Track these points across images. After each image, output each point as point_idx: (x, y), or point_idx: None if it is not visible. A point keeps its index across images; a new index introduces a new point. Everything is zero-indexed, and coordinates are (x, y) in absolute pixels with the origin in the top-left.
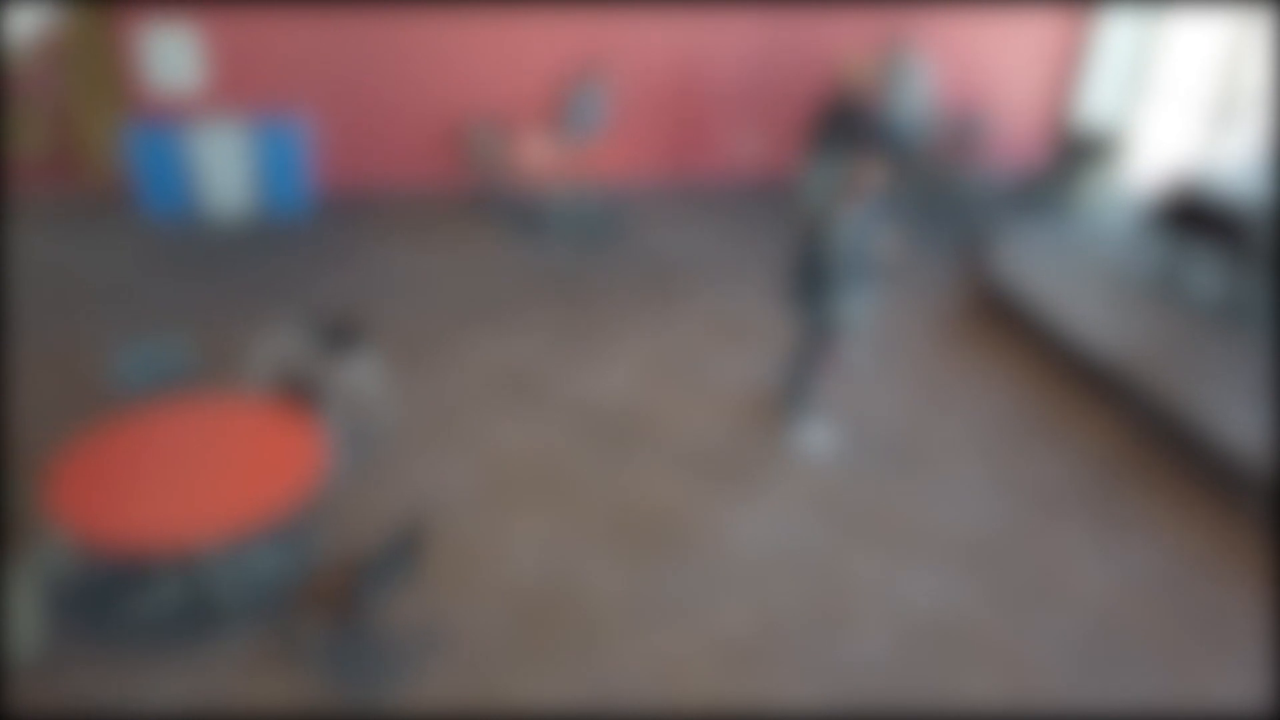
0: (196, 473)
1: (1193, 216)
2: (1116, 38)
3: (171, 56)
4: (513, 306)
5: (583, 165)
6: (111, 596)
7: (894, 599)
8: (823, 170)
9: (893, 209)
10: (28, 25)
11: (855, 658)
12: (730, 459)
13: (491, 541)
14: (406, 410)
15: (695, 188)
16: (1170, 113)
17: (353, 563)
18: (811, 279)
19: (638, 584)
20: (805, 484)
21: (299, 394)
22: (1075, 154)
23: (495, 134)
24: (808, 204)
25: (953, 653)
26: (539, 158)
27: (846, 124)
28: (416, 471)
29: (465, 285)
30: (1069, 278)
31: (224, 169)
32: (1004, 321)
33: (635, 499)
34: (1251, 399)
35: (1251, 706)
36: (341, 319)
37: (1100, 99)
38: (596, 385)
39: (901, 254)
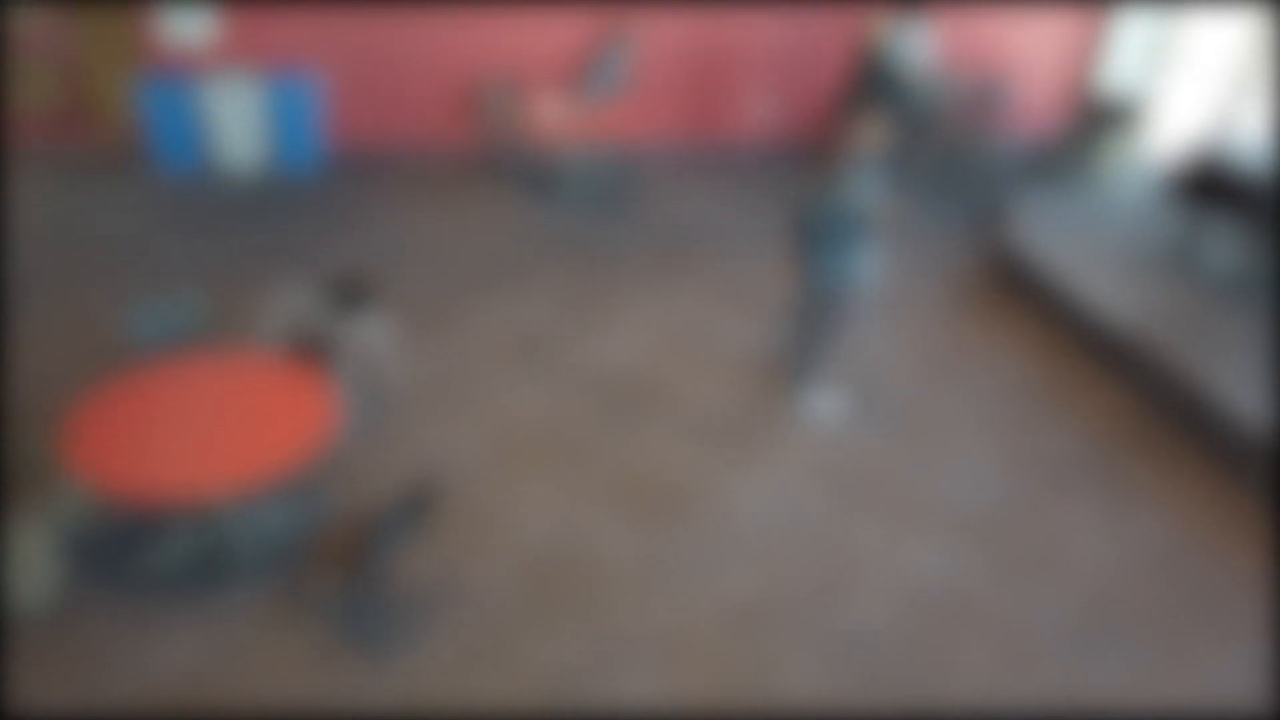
0: (210, 427)
1: (1211, 188)
2: (1140, 4)
3: (185, 10)
4: (524, 270)
5: (598, 127)
6: (126, 548)
7: (896, 569)
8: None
9: (906, 174)
10: None
11: (856, 626)
12: (738, 427)
13: (501, 504)
14: (417, 371)
15: (713, 153)
16: (1192, 81)
17: (363, 520)
18: (816, 237)
19: (644, 548)
20: (811, 453)
21: (310, 352)
22: (1095, 122)
23: (510, 95)
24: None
25: (952, 624)
26: (553, 119)
27: (871, 87)
28: (426, 433)
29: (477, 247)
30: (1083, 248)
31: (237, 125)
32: (1016, 291)
33: (643, 465)
34: (1263, 374)
35: (1249, 688)
36: (352, 278)
37: (1122, 66)
38: (607, 351)
39: (888, 214)
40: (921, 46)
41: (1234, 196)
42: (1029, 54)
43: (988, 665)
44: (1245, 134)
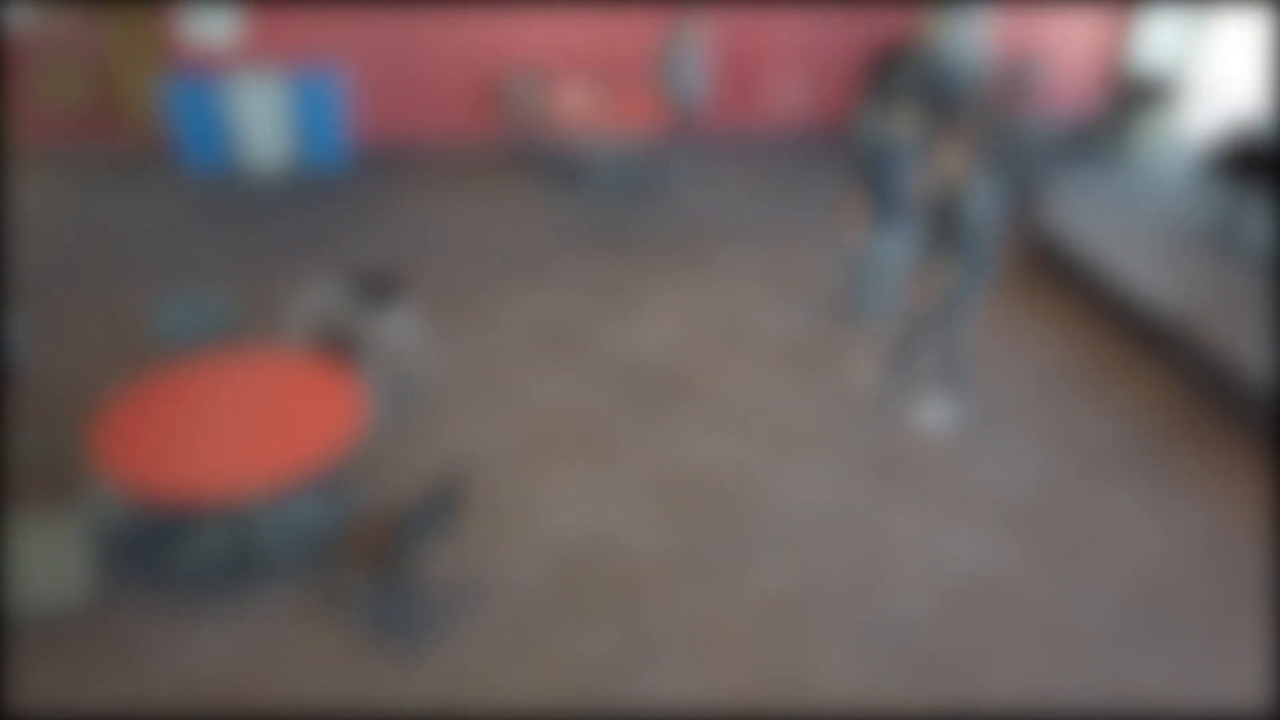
0: (240, 424)
1: (1249, 164)
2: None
3: (209, 9)
4: (552, 261)
5: (623, 117)
6: (158, 546)
7: (935, 558)
8: (881, 111)
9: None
10: None
11: (895, 619)
12: (772, 415)
13: (532, 496)
14: (446, 364)
15: (746, 139)
16: (1229, 58)
17: (393, 515)
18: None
19: (677, 540)
20: (846, 440)
21: (338, 347)
22: (1132, 100)
23: (534, 87)
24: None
25: (993, 615)
26: (578, 108)
27: (915, 78)
28: (456, 426)
29: (504, 239)
30: (1122, 229)
31: (262, 122)
32: (1055, 273)
33: (675, 454)
34: None
35: (1265, 695)
36: (379, 273)
37: (1157, 43)
38: (637, 340)
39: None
40: (975, 38)
41: (1272, 173)
42: (1064, 34)
43: (1030, 657)
44: None
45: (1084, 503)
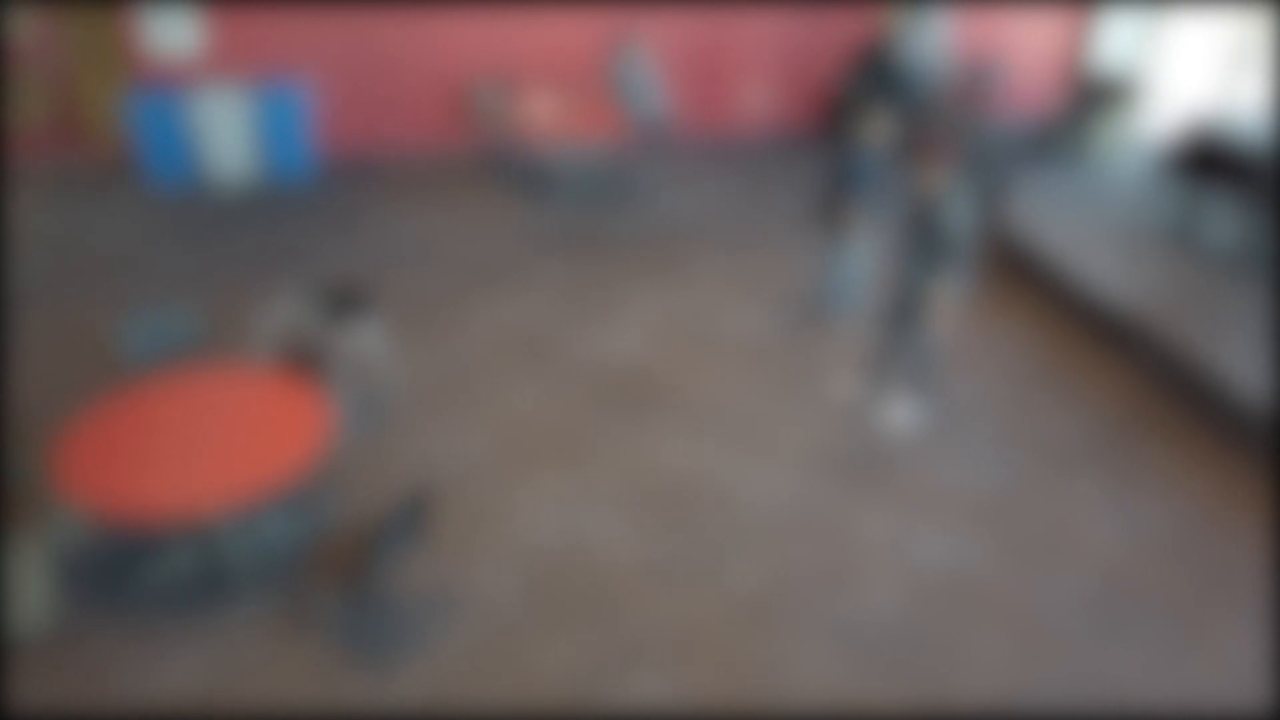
0: (206, 442)
1: (1209, 163)
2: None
3: (171, 22)
4: (523, 269)
5: (590, 124)
6: (124, 567)
7: (905, 557)
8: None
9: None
10: None
11: (867, 617)
12: (744, 418)
13: (505, 505)
14: (417, 375)
15: (715, 144)
16: (1188, 57)
17: (363, 529)
18: (935, 250)
19: (650, 545)
20: (817, 441)
21: (306, 362)
22: (1091, 101)
23: (502, 95)
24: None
25: (963, 612)
26: (545, 116)
27: (877, 79)
28: (428, 436)
29: (474, 248)
30: (1084, 228)
31: (227, 135)
32: (1019, 273)
33: (648, 460)
34: (1267, 348)
35: (1262, 668)
36: (347, 285)
37: (1116, 43)
38: (609, 346)
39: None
40: (935, 39)
41: (1232, 171)
42: (1023, 35)
43: (1001, 653)
44: (1243, 108)
45: (1051, 499)
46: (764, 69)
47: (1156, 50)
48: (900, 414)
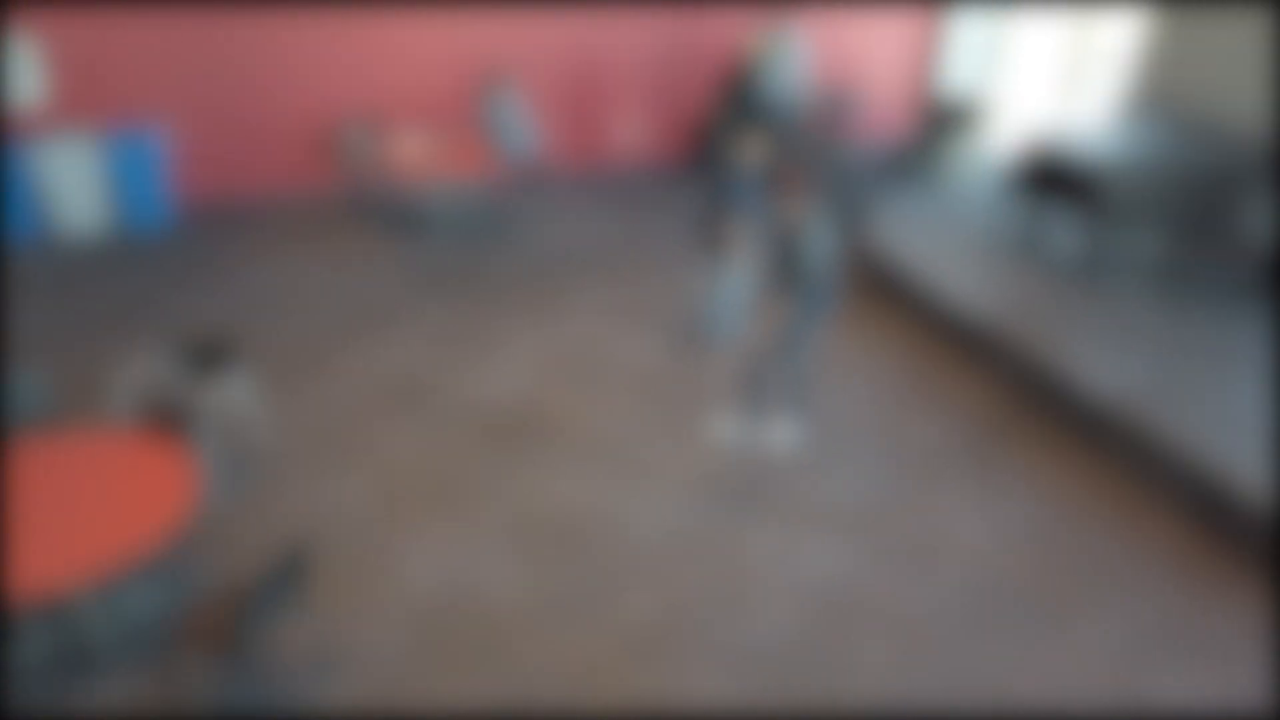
0: (59, 513)
1: (1048, 179)
2: (974, 7)
3: (11, 68)
4: (400, 311)
5: (461, 162)
6: None
7: (792, 573)
8: (733, 139)
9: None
10: None
11: (757, 636)
12: (630, 448)
13: (388, 556)
14: (291, 427)
15: (592, 175)
16: (1026, 78)
17: (236, 593)
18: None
19: (541, 584)
20: (700, 466)
21: (168, 422)
22: (940, 124)
23: (369, 135)
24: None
25: (850, 622)
26: (415, 155)
27: (744, 101)
28: (304, 490)
29: (347, 293)
30: (940, 245)
31: (76, 185)
32: (883, 290)
33: (535, 498)
34: (1111, 349)
35: (1124, 651)
36: (211, 337)
37: (961, 68)
38: (491, 385)
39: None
40: (796, 60)
41: (1070, 185)
42: (876, 63)
43: (886, 658)
44: (1079, 122)
45: (924, 505)
46: (634, 100)
47: (999, 72)
48: (780, 434)
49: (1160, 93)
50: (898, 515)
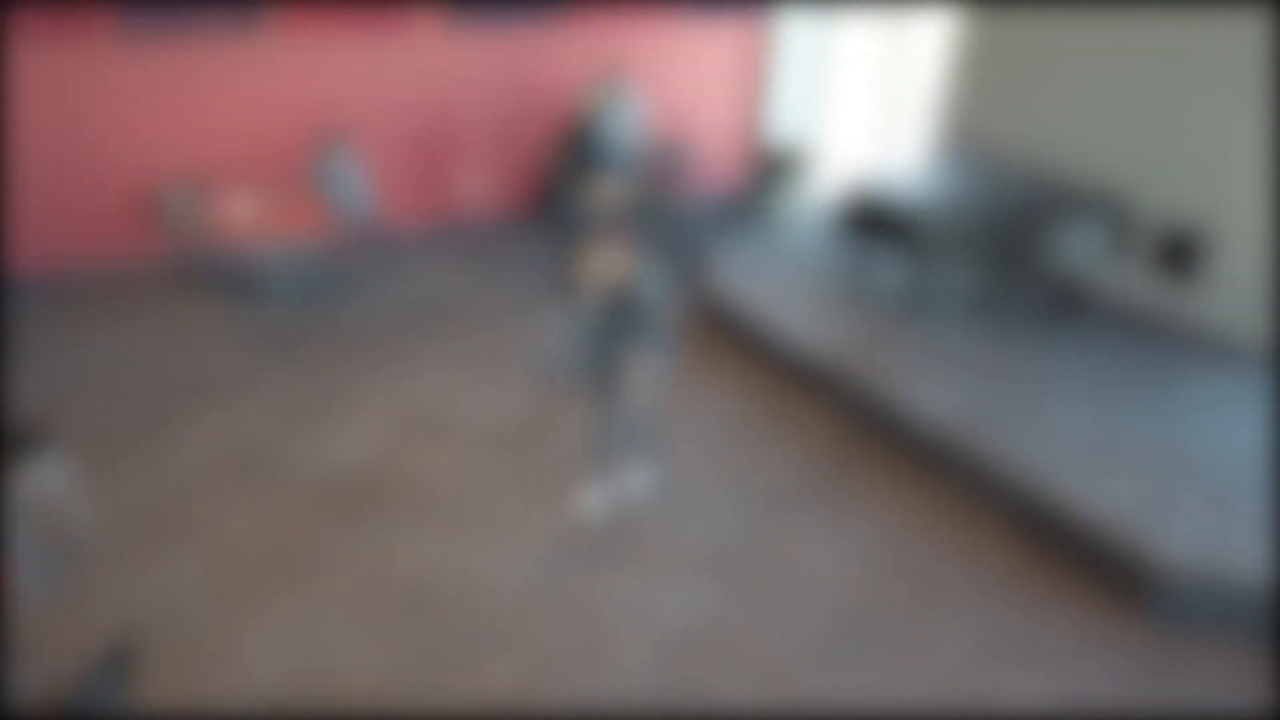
0: None
1: (869, 221)
2: (794, 58)
3: None
4: (237, 379)
5: (295, 221)
6: None
7: (652, 618)
8: (576, 189)
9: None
10: None
11: (622, 682)
12: (484, 506)
13: (228, 641)
14: (119, 510)
15: (435, 231)
16: (847, 124)
17: (58, 699)
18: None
19: (396, 658)
20: (554, 519)
21: None
22: (770, 171)
23: (194, 197)
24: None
25: (711, 662)
26: (245, 216)
27: (584, 151)
28: (132, 577)
29: (179, 362)
30: (775, 287)
31: None
32: (726, 334)
33: (387, 566)
34: (936, 378)
35: (974, 664)
36: (20, 420)
37: (786, 117)
38: (338, 450)
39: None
40: (631, 111)
41: (890, 226)
42: (707, 114)
43: (749, 693)
44: (896, 165)
45: (776, 540)
46: (477, 153)
47: (822, 121)
48: (635, 483)
49: (965, 135)
50: (753, 552)
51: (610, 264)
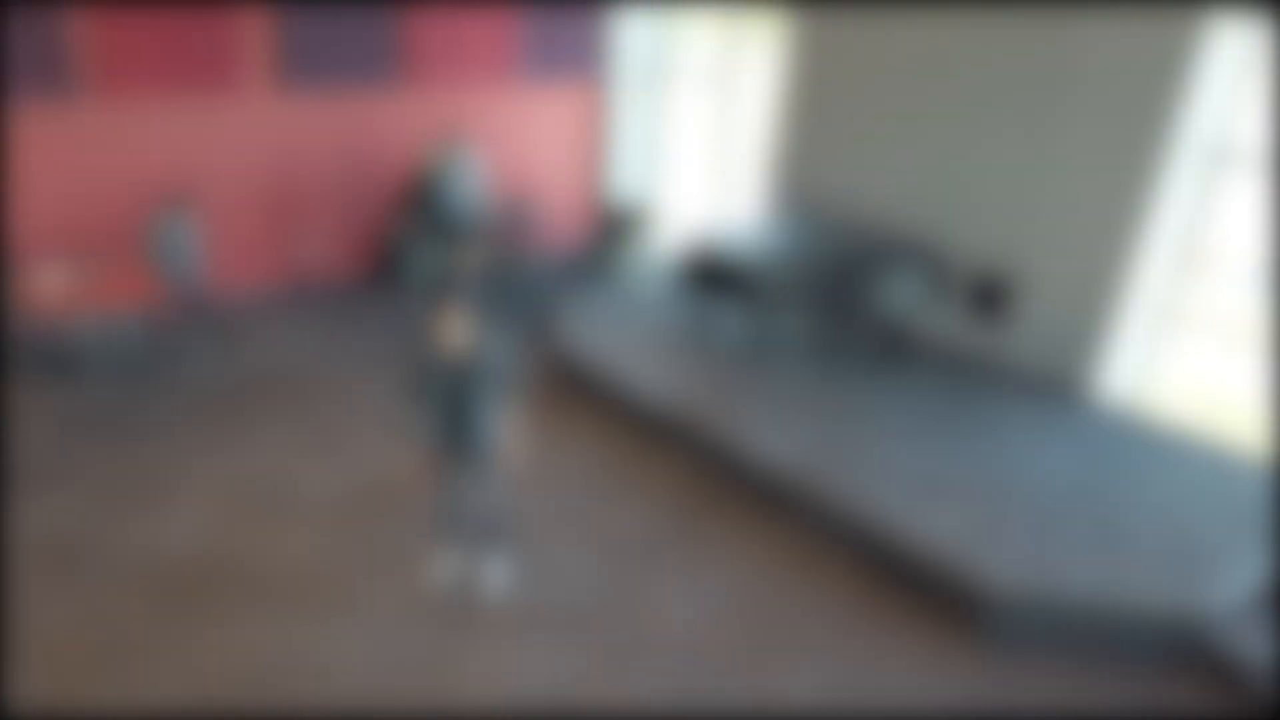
0: None
1: (709, 275)
2: (632, 119)
3: None
4: (54, 463)
5: (121, 288)
6: None
7: (509, 688)
8: (421, 251)
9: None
10: None
11: None
12: (328, 585)
13: None
14: None
15: (277, 297)
16: (685, 182)
17: None
18: (472, 403)
19: None
20: (403, 592)
21: None
22: (612, 229)
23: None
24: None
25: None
26: (58, 288)
27: (426, 211)
28: None
29: None
30: (623, 342)
31: None
32: (576, 391)
33: (222, 658)
34: (779, 423)
35: (836, 691)
36: None
37: (627, 177)
38: (166, 535)
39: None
40: (473, 171)
41: (727, 280)
42: (548, 175)
43: None
44: (731, 218)
45: (632, 592)
46: (318, 216)
47: (661, 178)
48: (489, 575)
49: (795, 192)
50: (609, 608)
51: (457, 331)
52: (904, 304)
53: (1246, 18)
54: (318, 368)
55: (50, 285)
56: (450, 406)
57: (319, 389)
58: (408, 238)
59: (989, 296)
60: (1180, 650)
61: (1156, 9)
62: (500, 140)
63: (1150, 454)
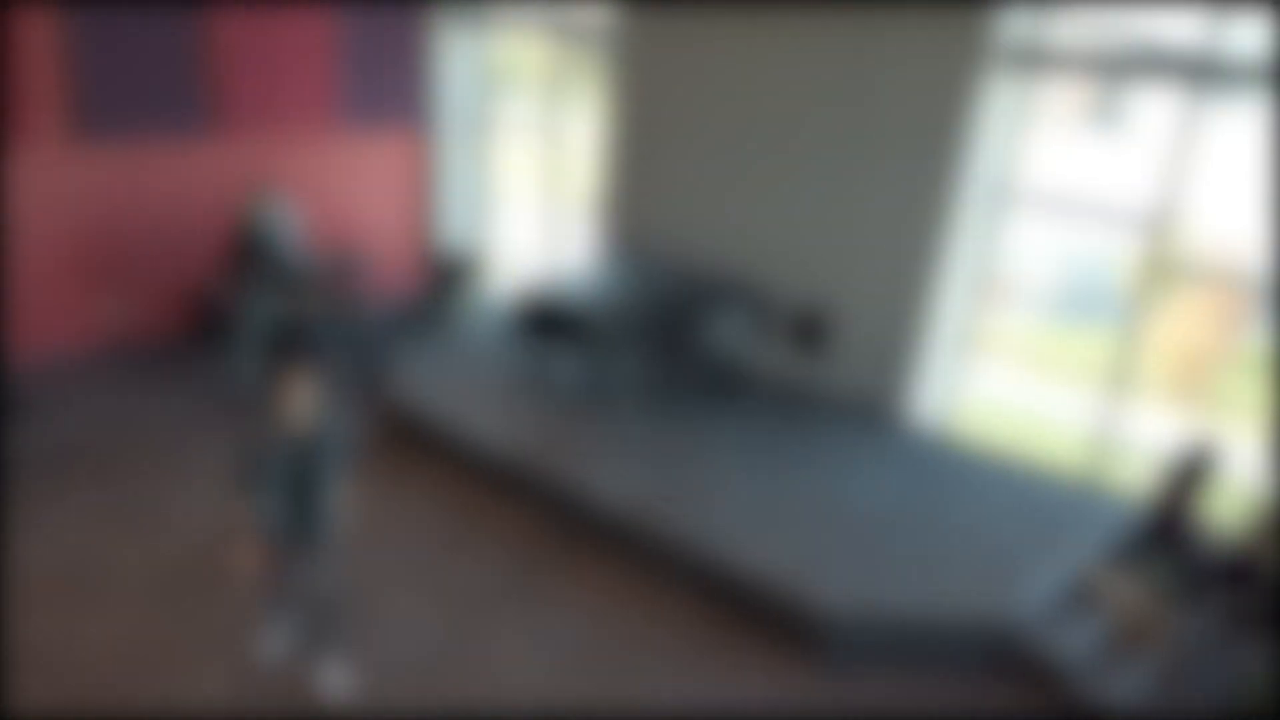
0: None
1: (543, 320)
2: (459, 165)
3: None
4: None
5: None
6: None
7: None
8: (249, 305)
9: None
10: None
11: None
12: (144, 671)
13: None
14: None
15: (84, 359)
16: (516, 228)
17: None
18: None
19: None
20: (232, 670)
21: None
22: (444, 277)
23: None
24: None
25: None
26: None
27: (249, 260)
28: None
29: None
30: (460, 391)
31: None
32: (414, 442)
33: None
34: (619, 464)
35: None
36: None
37: (456, 223)
38: None
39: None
40: (291, 221)
41: (561, 325)
42: (374, 224)
43: None
44: (560, 269)
45: (476, 645)
46: (128, 272)
47: (492, 225)
48: (332, 678)
49: (624, 236)
50: (452, 663)
51: (299, 401)
52: (732, 341)
53: (1018, 75)
54: (133, 433)
55: None
56: (293, 488)
57: (130, 460)
58: (232, 292)
59: (809, 330)
60: (996, 654)
61: (940, 66)
62: (322, 189)
63: (958, 472)
